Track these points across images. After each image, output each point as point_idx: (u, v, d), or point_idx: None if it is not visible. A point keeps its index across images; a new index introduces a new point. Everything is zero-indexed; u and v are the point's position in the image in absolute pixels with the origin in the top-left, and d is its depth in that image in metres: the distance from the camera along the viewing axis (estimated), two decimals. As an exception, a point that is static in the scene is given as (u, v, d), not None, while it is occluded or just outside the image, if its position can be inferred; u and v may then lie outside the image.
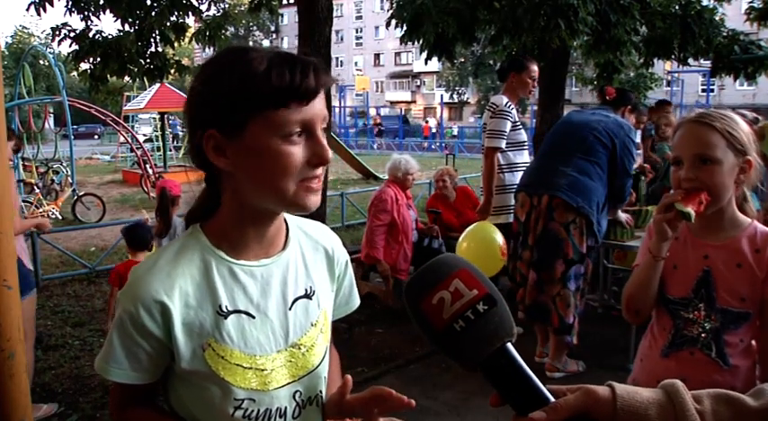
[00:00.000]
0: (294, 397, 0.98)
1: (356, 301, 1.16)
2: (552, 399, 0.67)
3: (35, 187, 9.46)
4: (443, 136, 29.66)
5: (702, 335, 1.47)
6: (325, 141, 0.88)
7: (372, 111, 35.04)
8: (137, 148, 12.71)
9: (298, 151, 0.85)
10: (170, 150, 15.72)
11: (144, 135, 19.40)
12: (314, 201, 0.89)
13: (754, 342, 1.49)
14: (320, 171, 0.88)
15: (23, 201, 8.83)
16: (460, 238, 4.01)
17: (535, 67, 3.93)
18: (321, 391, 1.03)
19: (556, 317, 3.25)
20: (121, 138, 15.68)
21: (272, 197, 0.88)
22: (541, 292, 3.29)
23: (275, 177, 0.86)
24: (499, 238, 3.77)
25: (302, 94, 0.83)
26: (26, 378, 1.48)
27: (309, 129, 0.86)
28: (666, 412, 0.67)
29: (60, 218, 9.15)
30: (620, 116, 3.47)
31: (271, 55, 0.85)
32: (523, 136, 3.98)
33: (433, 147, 26.42)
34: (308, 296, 1.00)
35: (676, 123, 1.53)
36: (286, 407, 0.97)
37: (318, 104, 0.86)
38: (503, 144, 3.82)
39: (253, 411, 0.93)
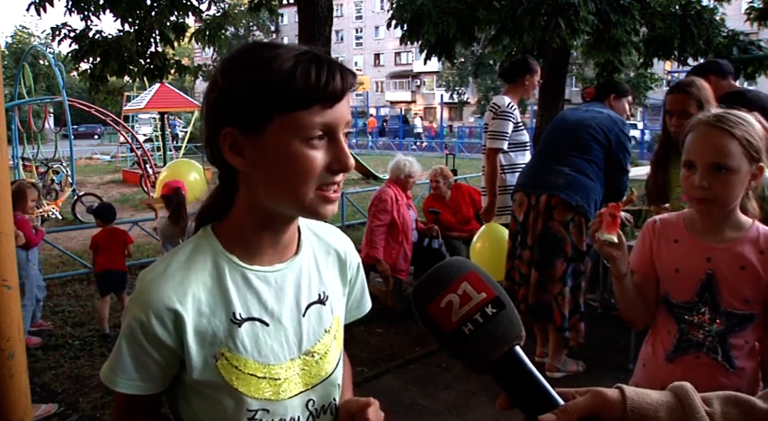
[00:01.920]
0: (307, 406, 0.94)
1: (368, 305, 1.12)
2: (561, 402, 0.66)
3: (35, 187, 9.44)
4: (443, 135, 29.63)
5: (708, 338, 1.45)
6: (347, 147, 0.84)
7: (372, 111, 35.03)
8: (137, 148, 12.71)
9: (318, 156, 0.81)
10: (170, 150, 15.71)
11: (144, 135, 19.40)
12: (330, 209, 0.85)
13: (757, 343, 1.48)
14: (340, 178, 0.84)
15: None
16: (474, 239, 3.99)
17: (539, 71, 3.99)
18: (335, 399, 0.99)
19: (558, 316, 3.26)
20: (121, 138, 15.68)
21: (287, 201, 0.84)
22: (544, 291, 3.29)
23: (293, 181, 0.82)
24: None
25: (327, 96, 0.80)
26: (26, 378, 1.48)
27: (332, 133, 0.82)
28: (676, 414, 0.67)
29: (60, 218, 9.15)
30: (607, 107, 3.50)
31: (298, 53, 0.81)
32: (526, 136, 3.97)
33: (433, 145, 26.39)
34: (321, 301, 0.97)
35: (690, 123, 1.45)
36: (299, 417, 0.93)
37: (343, 108, 0.83)
38: (504, 145, 3.82)
39: None
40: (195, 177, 4.68)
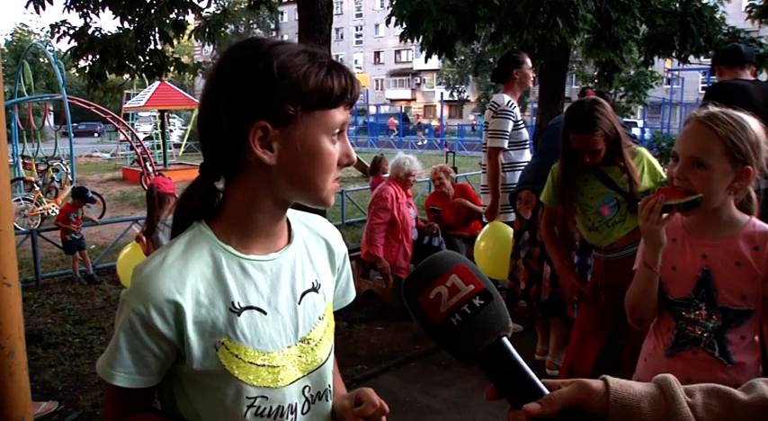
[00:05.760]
0: (303, 392, 0.97)
1: (352, 294, 1.15)
2: (547, 392, 0.68)
3: (35, 185, 9.45)
4: (443, 133, 29.59)
5: (705, 334, 1.47)
6: None
7: (372, 110, 35.02)
8: (136, 146, 12.71)
9: (337, 151, 0.90)
10: (170, 148, 15.70)
11: (144, 133, 19.39)
12: (332, 199, 0.95)
13: (756, 338, 1.49)
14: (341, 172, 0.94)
15: (23, 199, 8.83)
16: (478, 238, 3.99)
17: (528, 59, 3.96)
18: (329, 385, 1.02)
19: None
20: (121, 136, 15.67)
21: (307, 192, 0.90)
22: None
23: (317, 173, 0.89)
24: None
25: (351, 99, 0.90)
26: (26, 375, 1.48)
27: (343, 130, 0.92)
28: (658, 405, 0.69)
29: (60, 216, 9.14)
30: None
31: (324, 59, 0.88)
32: (525, 135, 3.96)
33: (433, 143, 26.38)
34: (314, 289, 0.99)
35: (687, 116, 1.50)
36: (296, 403, 0.95)
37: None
38: (505, 144, 3.81)
39: (265, 409, 0.91)
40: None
